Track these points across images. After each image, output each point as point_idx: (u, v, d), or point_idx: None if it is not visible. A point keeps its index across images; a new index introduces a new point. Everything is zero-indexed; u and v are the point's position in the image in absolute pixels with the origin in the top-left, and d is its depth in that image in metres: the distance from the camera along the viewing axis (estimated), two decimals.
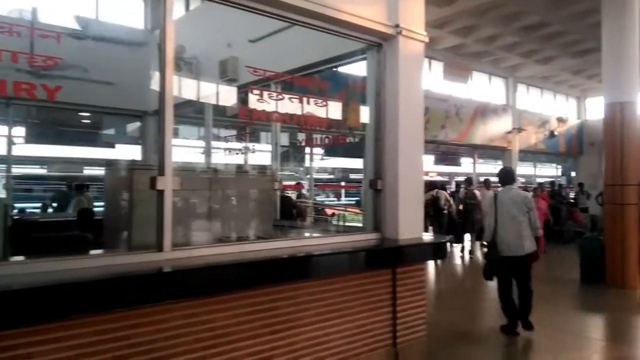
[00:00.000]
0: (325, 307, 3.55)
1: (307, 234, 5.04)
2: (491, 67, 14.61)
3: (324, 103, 4.11)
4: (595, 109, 17.78)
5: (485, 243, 5.90)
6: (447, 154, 15.47)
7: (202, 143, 5.86)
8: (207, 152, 5.36)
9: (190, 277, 2.84)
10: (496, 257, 5.18)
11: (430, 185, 11.73)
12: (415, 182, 4.36)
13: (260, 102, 3.55)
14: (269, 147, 5.46)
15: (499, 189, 5.49)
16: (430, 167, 22.32)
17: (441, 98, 12.96)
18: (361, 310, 3.78)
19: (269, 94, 3.64)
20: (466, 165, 16.71)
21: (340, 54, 4.70)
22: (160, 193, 2.94)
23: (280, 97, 3.78)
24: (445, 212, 10.80)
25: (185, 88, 5.33)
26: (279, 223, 5.32)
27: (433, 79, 13.03)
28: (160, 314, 2.72)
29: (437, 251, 4.60)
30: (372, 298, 3.86)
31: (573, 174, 18.89)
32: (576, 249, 8.81)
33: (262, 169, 5.41)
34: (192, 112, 6.22)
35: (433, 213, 10.83)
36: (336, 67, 6.86)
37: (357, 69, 5.02)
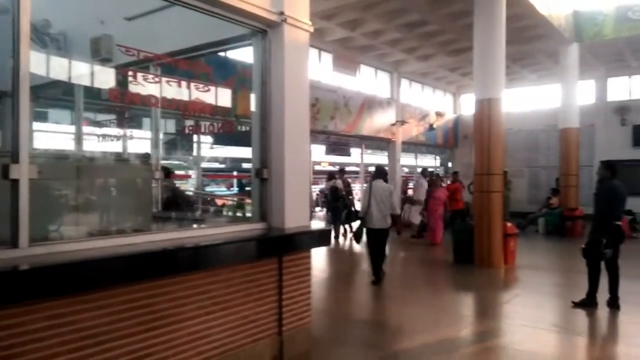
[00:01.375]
0: (208, 300, 3.44)
1: (189, 226, 4.83)
2: (377, 62, 15.26)
3: (208, 88, 3.94)
4: (468, 105, 19.43)
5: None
6: (337, 145, 15.92)
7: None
8: (78, 138, 4.88)
9: (52, 274, 2.56)
10: (367, 228, 7.16)
11: (330, 175, 12.37)
12: (302, 171, 4.38)
13: (135, 84, 3.28)
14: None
15: (373, 181, 7.28)
16: (322, 157, 22.79)
17: (331, 89, 13.24)
18: (246, 301, 3.73)
19: (144, 76, 3.38)
20: (356, 156, 17.37)
21: (225, 39, 4.54)
22: (15, 183, 2.61)
23: (157, 80, 3.53)
24: (342, 200, 11.64)
25: (53, 67, 4.78)
26: (162, 214, 5.05)
27: (323, 69, 13.26)
28: (18, 316, 2.43)
29: (322, 239, 4.69)
30: (257, 288, 3.83)
31: (450, 164, 20.54)
32: (451, 234, 9.61)
33: (140, 157, 5.06)
34: (61, 94, 5.62)
35: (331, 200, 11.60)
36: (221, 51, 6.66)
37: (248, 55, 4.90)
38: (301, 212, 4.35)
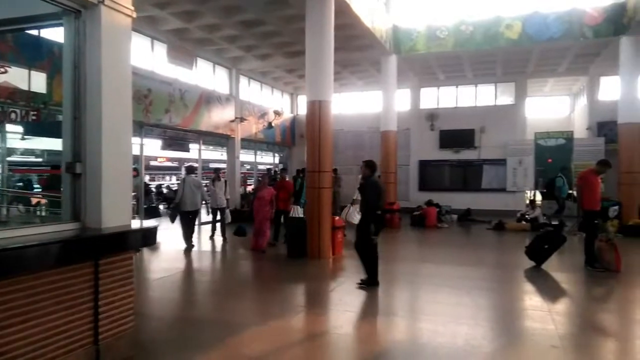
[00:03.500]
0: (5, 313, 3.00)
1: None
2: (215, 56, 15.02)
3: (4, 70, 3.41)
4: (304, 105, 20.29)
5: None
6: (174, 139, 15.21)
7: None
8: None
9: None
10: (180, 212, 9.88)
11: (215, 172, 11.74)
12: (123, 166, 4.08)
13: None
14: None
15: (186, 176, 10.31)
16: (158, 152, 21.52)
17: (166, 81, 12.62)
18: (55, 311, 3.34)
19: None
20: (195, 152, 16.82)
21: (32, 15, 4.00)
22: None
23: None
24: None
25: None
26: None
27: (157, 60, 12.56)
28: None
29: (147, 238, 4.44)
30: (69, 295, 3.46)
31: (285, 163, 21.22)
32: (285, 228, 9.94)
33: None
34: None
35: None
36: (28, 29, 5.86)
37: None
38: (122, 210, 4.06)
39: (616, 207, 12.58)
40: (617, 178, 13.15)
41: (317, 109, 9.15)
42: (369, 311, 5.81)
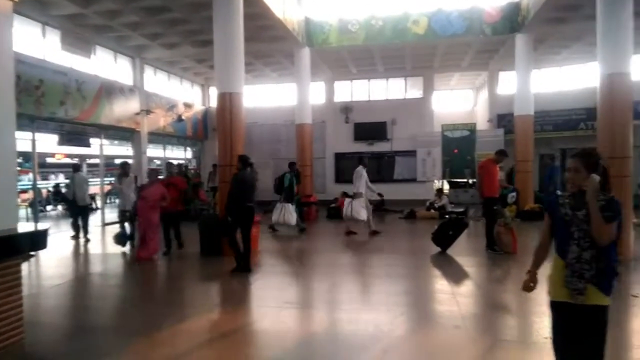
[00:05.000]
0: None
1: None
2: (116, 45, 14.01)
3: None
4: (215, 97, 19.67)
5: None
6: (73, 134, 14.02)
7: None
8: None
9: None
10: (68, 201, 10.97)
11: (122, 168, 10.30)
12: (5, 163, 3.62)
13: None
14: None
15: (75, 173, 11.02)
16: (55, 148, 19.88)
17: (60, 70, 11.54)
18: None
19: None
20: (97, 147, 15.67)
21: None
22: None
23: None
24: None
25: None
26: None
27: (49, 47, 11.46)
28: None
29: (36, 242, 4.00)
30: None
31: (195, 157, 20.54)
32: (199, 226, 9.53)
33: None
34: None
35: None
36: None
37: None
38: (6, 212, 3.60)
39: (514, 194, 13.57)
40: (514, 166, 14.18)
41: (227, 101, 8.85)
42: (284, 304, 5.70)
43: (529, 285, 2.89)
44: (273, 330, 4.83)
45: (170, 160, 15.87)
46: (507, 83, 17.77)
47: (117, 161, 18.17)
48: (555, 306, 2.75)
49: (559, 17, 12.60)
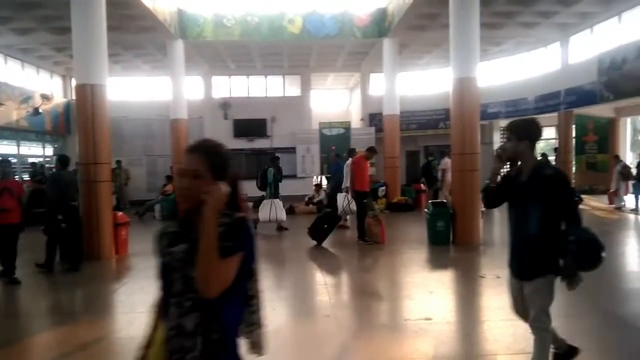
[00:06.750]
0: None
1: None
2: None
3: None
4: None
5: None
6: None
7: None
8: None
9: None
10: None
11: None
12: None
13: None
14: None
15: None
16: None
17: None
18: None
19: None
20: None
21: None
22: None
23: None
24: None
25: None
26: None
27: None
28: None
29: None
30: None
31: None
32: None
33: None
34: None
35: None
36: None
37: None
38: None
39: (383, 188, 14.53)
40: (383, 162, 15.16)
41: (89, 93, 8.17)
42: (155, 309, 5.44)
43: None
44: (138, 338, 4.58)
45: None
46: (378, 84, 18.93)
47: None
48: None
49: (420, 25, 13.72)
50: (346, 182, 10.20)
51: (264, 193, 10.96)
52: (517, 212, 3.01)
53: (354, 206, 9.92)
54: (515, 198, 3.01)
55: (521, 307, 3.12)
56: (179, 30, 13.94)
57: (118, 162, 15.85)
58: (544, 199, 2.83)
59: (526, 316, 3.09)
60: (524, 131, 2.97)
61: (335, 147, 17.91)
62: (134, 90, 18.99)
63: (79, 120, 8.39)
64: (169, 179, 14.44)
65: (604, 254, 2.79)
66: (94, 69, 8.23)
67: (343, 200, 10.09)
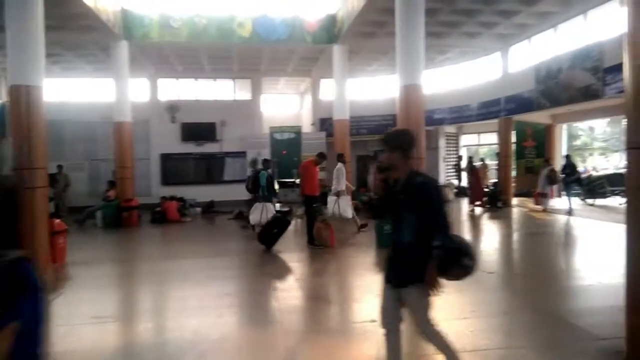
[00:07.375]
0: None
1: None
2: None
3: None
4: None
5: None
6: None
7: None
8: None
9: None
10: None
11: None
12: None
13: None
14: None
15: None
16: None
17: None
18: None
19: None
20: None
21: None
22: None
23: None
24: None
25: None
26: None
27: None
28: None
29: None
30: None
31: None
32: None
33: None
34: None
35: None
36: None
37: None
38: None
39: None
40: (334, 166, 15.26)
41: (23, 95, 7.71)
42: (92, 320, 5.21)
43: None
44: (79, 350, 4.38)
45: None
46: (328, 89, 19.10)
47: None
48: None
49: (368, 32, 13.98)
50: (341, 185, 10.59)
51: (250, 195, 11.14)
52: (394, 221, 3.07)
53: (345, 211, 10.35)
54: (393, 207, 3.06)
55: (391, 317, 3.17)
56: (123, 30, 13.48)
57: (59, 166, 15.11)
58: (416, 207, 2.88)
59: (396, 327, 3.17)
60: (396, 142, 3.01)
61: (287, 151, 17.93)
62: (76, 92, 18.17)
63: (12, 123, 7.91)
64: (112, 184, 13.91)
65: (469, 262, 2.87)
66: (30, 70, 7.79)
67: (334, 204, 10.37)
